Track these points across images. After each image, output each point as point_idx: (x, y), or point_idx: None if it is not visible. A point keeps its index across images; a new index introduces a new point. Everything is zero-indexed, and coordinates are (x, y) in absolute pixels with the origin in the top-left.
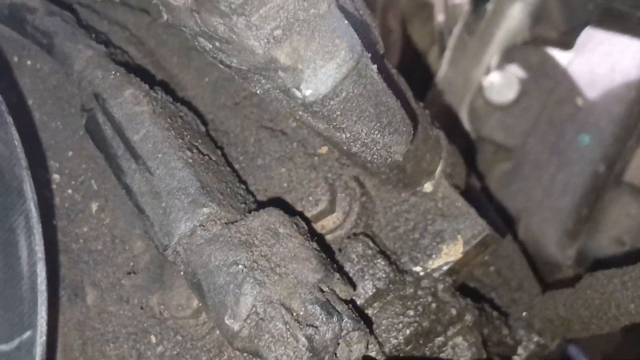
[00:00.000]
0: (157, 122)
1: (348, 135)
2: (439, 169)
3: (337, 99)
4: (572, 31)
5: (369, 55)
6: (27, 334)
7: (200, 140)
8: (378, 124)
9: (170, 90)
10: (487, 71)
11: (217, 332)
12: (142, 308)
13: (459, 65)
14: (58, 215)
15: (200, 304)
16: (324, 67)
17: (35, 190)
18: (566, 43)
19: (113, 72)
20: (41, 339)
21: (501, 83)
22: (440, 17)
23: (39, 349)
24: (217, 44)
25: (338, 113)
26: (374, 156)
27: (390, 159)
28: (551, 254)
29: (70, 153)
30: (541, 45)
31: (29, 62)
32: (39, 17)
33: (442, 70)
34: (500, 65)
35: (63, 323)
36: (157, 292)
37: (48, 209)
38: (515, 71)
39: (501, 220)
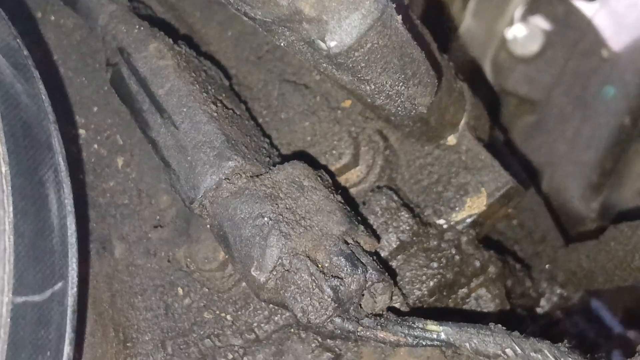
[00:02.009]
0: (181, 75)
1: (372, 87)
2: (462, 121)
3: (362, 50)
4: None
5: (394, 5)
6: (59, 285)
7: (224, 94)
8: (403, 76)
9: (193, 45)
10: (511, 23)
11: (243, 284)
12: (169, 261)
13: (482, 17)
14: (85, 170)
15: (226, 257)
16: (348, 18)
17: (63, 145)
18: None
19: (137, 26)
20: (72, 290)
21: (525, 35)
22: None
23: (71, 300)
24: None
25: (362, 65)
26: (398, 108)
27: (414, 111)
28: (575, 207)
29: (96, 108)
30: None
31: (52, 18)
32: None
33: (465, 22)
34: (524, 17)
35: (92, 276)
36: (184, 245)
37: (75, 164)
38: (539, 23)
39: (525, 173)
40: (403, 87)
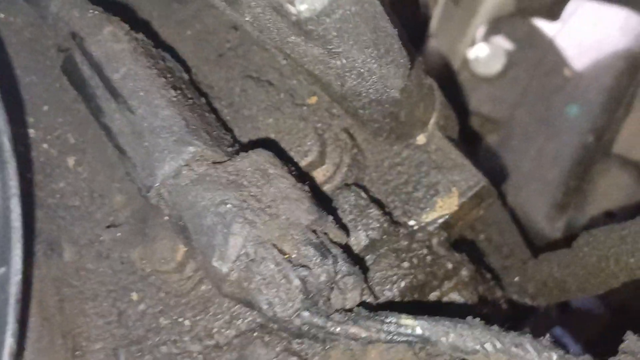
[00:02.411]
0: (138, 59)
1: (344, 61)
2: (432, 120)
3: (334, 16)
4: (558, 1)
5: None
6: (1, 270)
7: (184, 85)
8: (375, 51)
9: (153, 30)
10: (473, 43)
11: (203, 287)
12: (122, 263)
13: (445, 36)
14: (34, 170)
15: (184, 258)
16: None
17: (10, 128)
18: (553, 14)
19: (90, 11)
20: (16, 277)
21: (487, 55)
22: None
23: (14, 288)
24: None
25: (334, 34)
26: (370, 90)
27: (386, 95)
28: (540, 227)
29: (46, 107)
30: (528, 16)
31: (1, 15)
32: None
33: (429, 42)
34: (486, 37)
35: (39, 279)
36: (139, 245)
37: (24, 165)
38: (502, 43)
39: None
40: (375, 65)
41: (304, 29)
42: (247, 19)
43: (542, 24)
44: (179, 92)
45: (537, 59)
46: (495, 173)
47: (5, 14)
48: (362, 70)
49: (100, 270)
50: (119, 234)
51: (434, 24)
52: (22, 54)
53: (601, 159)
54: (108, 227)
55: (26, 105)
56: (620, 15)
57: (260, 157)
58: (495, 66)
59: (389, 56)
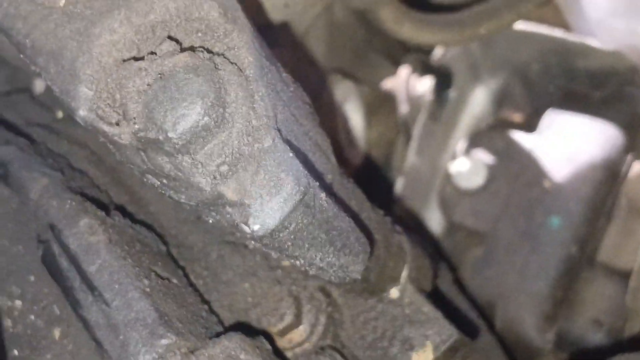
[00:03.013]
0: (113, 251)
1: (302, 261)
2: (403, 273)
3: (287, 230)
4: (534, 114)
5: (317, 184)
6: None
7: (160, 263)
8: (332, 248)
9: (129, 211)
10: (454, 157)
11: None
12: None
13: (426, 153)
14: (20, 344)
15: None
16: (270, 202)
17: None
18: (529, 126)
19: (68, 201)
20: None
21: (468, 169)
22: (403, 108)
23: None
24: (164, 180)
25: (289, 243)
26: (332, 277)
27: (348, 278)
28: (530, 339)
29: (32, 277)
30: (505, 129)
31: None
32: None
33: (409, 159)
34: (467, 151)
35: None
36: None
37: (11, 339)
38: (482, 156)
39: (476, 311)
40: (334, 259)
41: (261, 242)
42: (210, 220)
43: (520, 137)
44: (153, 277)
45: (516, 171)
46: (483, 287)
47: None
48: (321, 265)
49: None
50: None
51: (414, 142)
52: (8, 225)
53: (586, 269)
54: None
55: (13, 275)
56: (595, 126)
57: (232, 343)
58: (476, 180)
59: (346, 248)
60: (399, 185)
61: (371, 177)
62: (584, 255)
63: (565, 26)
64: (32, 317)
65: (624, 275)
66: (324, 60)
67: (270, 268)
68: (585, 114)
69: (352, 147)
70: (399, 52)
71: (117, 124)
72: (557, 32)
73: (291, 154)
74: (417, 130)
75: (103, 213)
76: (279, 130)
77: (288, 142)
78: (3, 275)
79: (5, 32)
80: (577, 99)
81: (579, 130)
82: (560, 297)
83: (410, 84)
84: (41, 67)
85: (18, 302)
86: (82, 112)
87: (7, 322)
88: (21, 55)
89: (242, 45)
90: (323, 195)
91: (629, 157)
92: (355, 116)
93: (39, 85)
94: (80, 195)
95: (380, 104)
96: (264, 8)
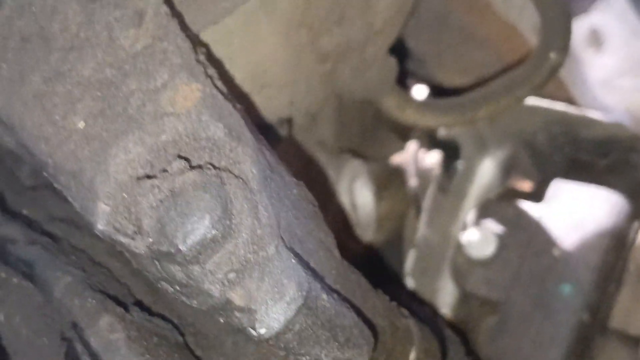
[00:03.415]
0: (132, 347)
1: (308, 358)
2: (411, 356)
3: (291, 332)
4: (542, 183)
5: (319, 286)
6: None
7: (177, 355)
8: (336, 344)
9: (146, 304)
10: (464, 228)
11: None
12: None
13: (436, 224)
14: None
15: None
16: (274, 306)
17: None
18: (537, 195)
19: (89, 300)
20: None
21: (479, 239)
22: (413, 182)
23: None
24: (177, 287)
25: (295, 343)
26: None
27: None
28: None
29: None
30: (514, 198)
31: (15, 280)
32: (21, 247)
33: (420, 231)
34: (477, 221)
35: None
36: None
37: None
38: (492, 226)
39: None
40: (339, 353)
41: (268, 344)
42: (221, 320)
43: (527, 206)
44: None
45: (526, 240)
46: (498, 356)
47: (19, 278)
48: (326, 359)
49: None
50: None
51: (424, 215)
52: (34, 318)
53: (599, 335)
54: None
55: None
56: (601, 194)
57: None
58: (487, 249)
59: (350, 342)
60: (411, 257)
61: (382, 252)
62: (596, 322)
63: (569, 100)
64: None
65: (637, 341)
66: (333, 142)
67: (283, 355)
68: (591, 182)
69: (361, 225)
70: (407, 127)
71: (133, 237)
72: (560, 105)
73: (293, 260)
74: (427, 203)
75: (122, 310)
76: (282, 238)
77: (291, 248)
78: None
79: (30, 151)
80: (582, 167)
81: (586, 199)
82: None
83: (418, 158)
84: (63, 185)
85: None
86: (100, 226)
87: None
88: (44, 173)
89: (246, 159)
90: (325, 296)
91: (636, 224)
92: (365, 192)
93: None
94: (100, 292)
95: (389, 179)
96: (269, 107)
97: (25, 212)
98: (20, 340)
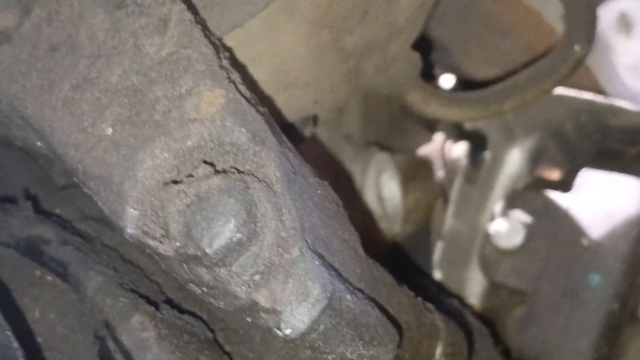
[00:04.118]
0: (163, 345)
1: (333, 356)
2: (438, 350)
3: (316, 332)
4: (570, 172)
5: (343, 287)
6: None
7: (207, 352)
8: (361, 342)
9: (176, 301)
10: (492, 218)
11: None
12: None
13: (464, 215)
14: None
15: None
16: (299, 308)
17: None
18: (565, 185)
19: (121, 299)
20: None
21: (507, 229)
22: (440, 173)
23: None
24: (204, 289)
25: (320, 342)
26: None
27: None
28: None
29: None
30: (541, 188)
31: (49, 278)
32: (54, 248)
33: (448, 223)
34: (505, 212)
35: None
36: None
37: None
38: (520, 216)
39: None
40: (364, 351)
41: (294, 343)
42: (248, 319)
43: (555, 196)
44: None
45: (554, 230)
46: (527, 347)
47: (53, 276)
48: (352, 357)
49: None
50: None
51: (452, 206)
52: (69, 315)
53: (628, 325)
54: None
55: None
56: (630, 184)
57: None
58: (515, 239)
59: (375, 340)
60: (439, 249)
61: (410, 244)
62: (626, 311)
63: (597, 88)
64: None
65: None
66: (360, 135)
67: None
68: (619, 171)
69: (389, 218)
70: (433, 119)
71: (161, 240)
72: (588, 95)
73: (317, 262)
74: (454, 194)
75: (153, 308)
76: (306, 240)
77: (315, 249)
78: None
79: (60, 158)
80: (611, 156)
81: (614, 188)
82: (604, 354)
83: (445, 150)
84: (92, 190)
85: None
86: (129, 230)
87: None
88: (74, 179)
89: (269, 163)
90: (349, 296)
91: None
92: (392, 185)
93: None
94: (131, 291)
95: (416, 171)
96: (294, 107)
97: (58, 211)
98: (55, 337)
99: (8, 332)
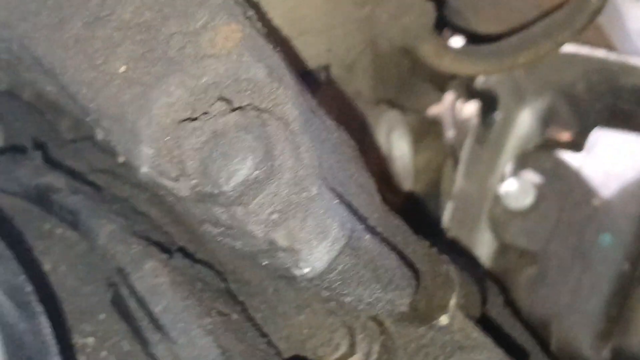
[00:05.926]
0: (176, 291)
1: (351, 298)
2: (452, 301)
3: (335, 272)
4: (581, 133)
5: (361, 226)
6: None
7: (220, 300)
8: (379, 285)
9: (190, 251)
10: (502, 179)
11: None
12: None
13: (474, 176)
14: None
15: None
16: (318, 246)
17: None
18: (577, 145)
19: (133, 246)
20: None
21: (517, 190)
22: (450, 133)
23: None
24: (221, 229)
25: (338, 283)
26: (380, 310)
27: (396, 310)
28: (586, 358)
29: (103, 316)
30: (552, 148)
31: (59, 230)
32: (64, 196)
33: (458, 183)
34: (515, 172)
35: None
36: None
37: None
38: (530, 177)
39: (528, 333)
40: (381, 294)
41: (311, 284)
42: (264, 263)
43: (567, 156)
44: (214, 315)
45: (565, 190)
46: (537, 307)
47: (63, 229)
48: (369, 300)
49: None
50: None
51: (462, 167)
52: (79, 266)
53: (639, 285)
54: None
55: (85, 314)
56: None
57: None
58: (525, 200)
59: (392, 284)
60: (449, 209)
61: (420, 203)
62: (636, 272)
63: (608, 46)
64: (104, 353)
65: None
66: (370, 93)
67: (324, 300)
68: (631, 131)
69: (400, 176)
70: (444, 78)
71: (177, 179)
72: (600, 52)
73: (336, 201)
74: (464, 155)
75: (166, 255)
76: (324, 179)
77: (333, 189)
78: (76, 315)
79: (72, 96)
80: (623, 116)
81: (626, 148)
82: (615, 314)
83: (456, 110)
84: (106, 129)
85: (90, 339)
86: (144, 169)
87: (81, 359)
88: (87, 119)
89: (287, 101)
90: (367, 236)
91: None
92: (402, 144)
93: (100, 132)
94: (144, 239)
95: (427, 131)
96: (307, 55)
97: (67, 163)
98: (66, 289)
99: (22, 276)
